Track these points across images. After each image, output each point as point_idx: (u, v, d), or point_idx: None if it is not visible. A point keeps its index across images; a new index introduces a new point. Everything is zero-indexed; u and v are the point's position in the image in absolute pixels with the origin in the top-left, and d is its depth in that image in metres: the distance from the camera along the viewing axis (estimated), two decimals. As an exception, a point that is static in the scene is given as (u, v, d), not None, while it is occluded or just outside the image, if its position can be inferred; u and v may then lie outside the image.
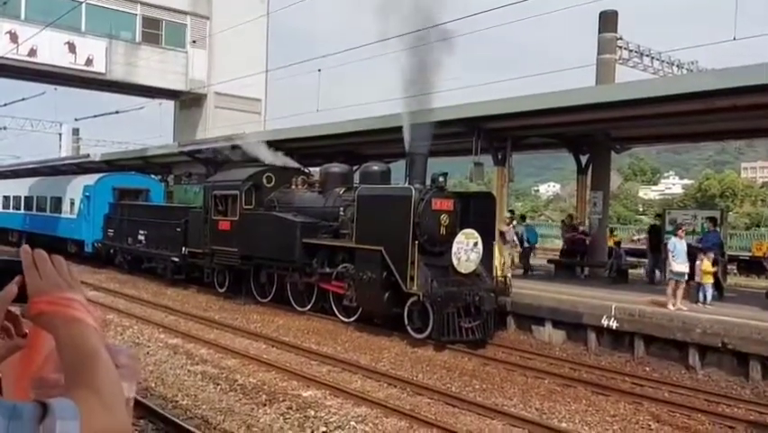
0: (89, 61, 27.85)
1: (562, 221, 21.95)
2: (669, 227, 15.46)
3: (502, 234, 14.71)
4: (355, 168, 16.61)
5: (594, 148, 16.65)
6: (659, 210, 25.92)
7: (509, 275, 13.61)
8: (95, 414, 0.82)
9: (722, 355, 9.85)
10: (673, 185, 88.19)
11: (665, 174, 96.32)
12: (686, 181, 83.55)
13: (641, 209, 63.51)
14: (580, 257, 17.12)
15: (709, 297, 11.51)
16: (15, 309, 1.08)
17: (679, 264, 11.51)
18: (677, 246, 11.69)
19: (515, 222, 16.12)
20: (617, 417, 8.02)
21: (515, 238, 16.12)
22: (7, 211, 31.72)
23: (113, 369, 0.91)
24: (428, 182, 12.46)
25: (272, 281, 15.36)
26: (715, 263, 12.32)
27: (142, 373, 9.35)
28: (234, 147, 18.20)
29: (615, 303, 11.46)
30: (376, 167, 14.25)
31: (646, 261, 16.41)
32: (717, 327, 9.94)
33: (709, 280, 11.61)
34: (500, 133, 14.69)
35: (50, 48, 26.73)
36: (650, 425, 7.74)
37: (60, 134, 46.21)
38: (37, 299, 1.00)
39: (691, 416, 8.07)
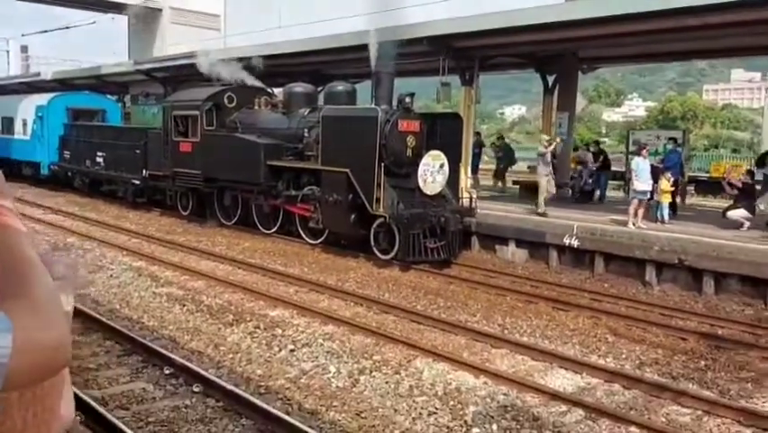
0: (34, -29, 26.09)
1: (492, 143, 22.05)
2: (633, 148, 15.65)
3: (542, 155, 13.34)
4: (320, 89, 16.19)
5: (561, 68, 16.49)
6: (623, 132, 26.13)
7: (543, 206, 12.88)
8: (30, 325, 0.74)
9: (678, 272, 10.19)
10: (636, 107, 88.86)
11: (629, 96, 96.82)
12: (649, 103, 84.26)
13: (604, 131, 64.16)
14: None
15: (666, 216, 11.82)
16: None
17: (642, 183, 11.72)
18: (640, 165, 11.86)
19: (554, 143, 14.05)
20: (576, 331, 8.30)
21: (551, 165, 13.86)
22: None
23: (48, 278, 0.81)
24: (395, 103, 12.23)
25: (237, 204, 15.19)
26: (676, 183, 12.59)
27: (107, 295, 9.29)
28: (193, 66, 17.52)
29: (577, 222, 11.68)
30: (341, 87, 13.91)
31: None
32: (674, 244, 10.24)
33: (667, 200, 11.89)
34: (468, 53, 14.38)
35: (-10, -44, 24.85)
36: (607, 338, 8.04)
37: (8, 51, 43.77)
38: None
39: (647, 329, 8.39)
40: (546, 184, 13.21)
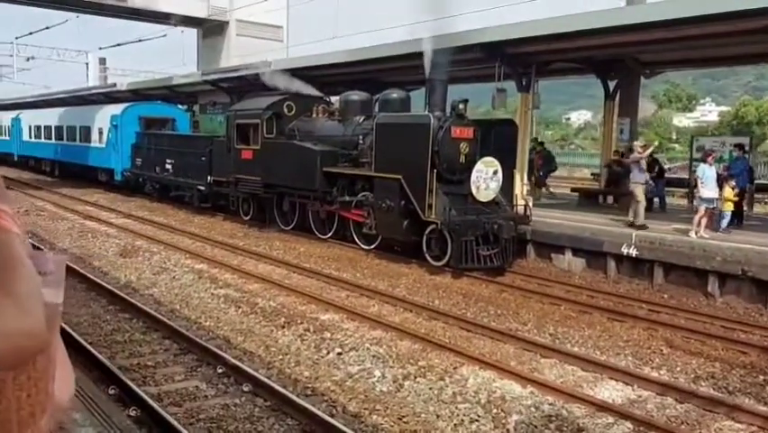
0: (110, -12, 27.55)
1: (533, 148, 21.52)
2: (697, 155, 15.10)
3: (637, 162, 12.30)
4: (376, 96, 16.40)
5: (622, 73, 16.10)
6: (689, 137, 25.14)
7: (642, 217, 11.82)
8: (8, 315, 0.86)
9: (741, 283, 9.79)
10: (709, 112, 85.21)
11: (702, 101, 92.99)
12: (723, 108, 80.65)
13: (674, 137, 61.90)
14: (615, 185, 16.81)
15: (725, 224, 11.37)
16: None
17: (708, 190, 11.28)
18: (706, 172, 11.42)
19: (651, 148, 12.88)
20: (629, 342, 8.11)
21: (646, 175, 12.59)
22: (39, 141, 32.29)
23: (34, 275, 0.94)
24: (449, 110, 12.28)
25: (295, 210, 15.57)
26: (742, 191, 12.07)
27: (168, 296, 9.72)
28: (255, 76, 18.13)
29: (635, 231, 11.38)
30: (395, 94, 14.04)
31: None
32: (737, 254, 9.85)
33: (729, 208, 11.43)
34: (524, 59, 14.25)
35: (71, -26, 26.45)
36: (662, 350, 7.82)
37: (87, 64, 46.28)
38: None
39: (705, 342, 8.11)
40: (642, 193, 12.17)
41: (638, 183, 12.26)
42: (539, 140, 22.03)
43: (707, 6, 10.37)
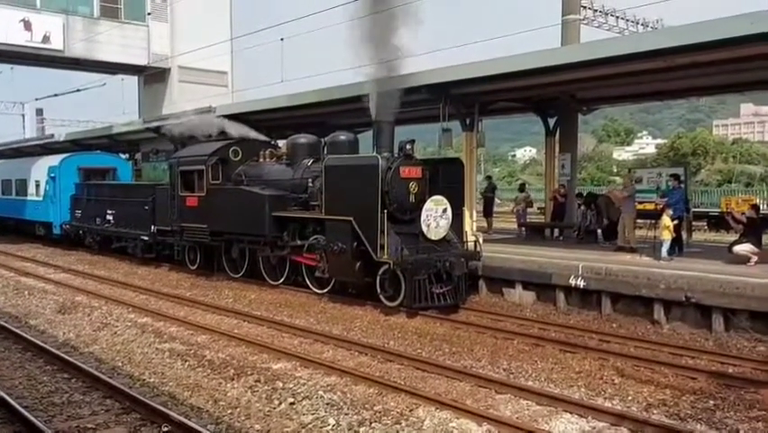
0: (46, 39, 27.01)
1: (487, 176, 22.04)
2: (637, 186, 15.63)
3: (626, 198, 12.66)
4: (324, 139, 16.39)
5: (560, 110, 16.65)
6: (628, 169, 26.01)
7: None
8: None
9: (686, 309, 10.04)
10: (647, 145, 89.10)
11: (639, 135, 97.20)
12: (659, 141, 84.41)
13: (615, 170, 64.15)
14: (559, 218, 17.16)
15: (665, 251, 11.70)
16: None
17: None
18: None
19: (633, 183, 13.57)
20: (582, 373, 8.14)
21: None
22: (-27, 196, 30.98)
23: None
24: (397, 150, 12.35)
25: (244, 256, 15.26)
26: (680, 219, 12.48)
27: (110, 353, 9.28)
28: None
29: (582, 263, 11.58)
30: (343, 137, 14.08)
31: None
32: (680, 281, 10.10)
33: (668, 236, 11.78)
34: (468, 99, 14.57)
35: (6, 26, 25.88)
36: (614, 380, 7.87)
37: (23, 115, 45.05)
38: None
39: (655, 369, 8.22)
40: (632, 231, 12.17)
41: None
42: (490, 176, 22.59)
43: (637, 44, 10.86)
